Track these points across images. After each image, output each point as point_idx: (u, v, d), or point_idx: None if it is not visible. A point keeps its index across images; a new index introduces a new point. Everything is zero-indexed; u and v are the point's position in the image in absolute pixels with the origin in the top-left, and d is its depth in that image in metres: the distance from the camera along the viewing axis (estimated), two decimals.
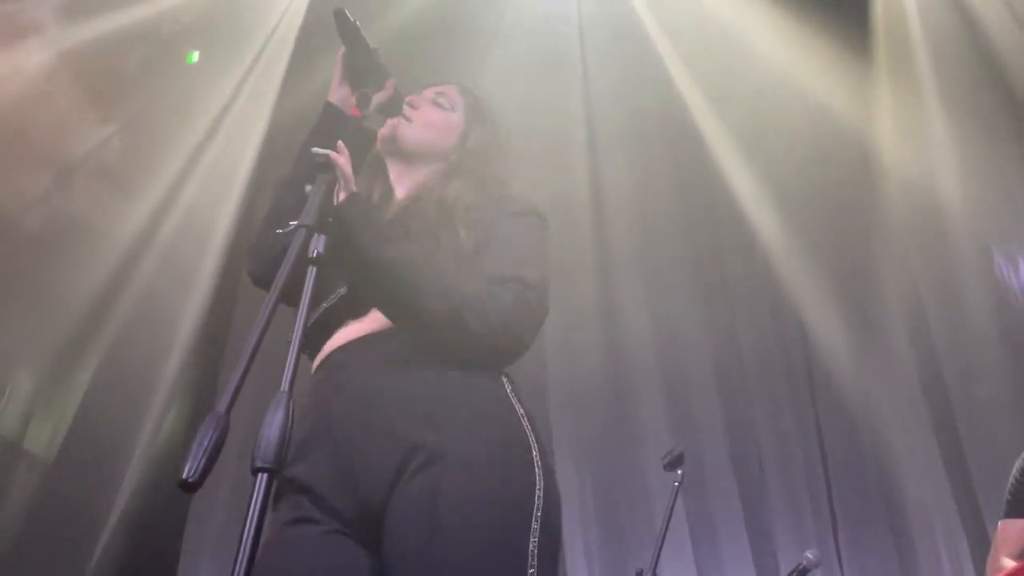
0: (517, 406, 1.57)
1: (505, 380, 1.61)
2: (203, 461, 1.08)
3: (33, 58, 4.46)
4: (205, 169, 5.03)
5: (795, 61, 4.70)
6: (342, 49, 1.77)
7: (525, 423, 1.55)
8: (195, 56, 5.60)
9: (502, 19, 5.32)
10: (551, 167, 4.98)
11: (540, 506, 1.45)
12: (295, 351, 1.25)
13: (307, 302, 1.32)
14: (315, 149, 1.48)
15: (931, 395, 4.49)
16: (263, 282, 1.75)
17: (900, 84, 4.68)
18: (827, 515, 4.41)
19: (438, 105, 1.90)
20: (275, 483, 1.53)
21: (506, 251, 1.65)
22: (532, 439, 1.53)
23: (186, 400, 4.91)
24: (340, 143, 1.52)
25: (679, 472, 3.19)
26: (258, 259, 1.76)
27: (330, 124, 1.75)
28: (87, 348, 4.65)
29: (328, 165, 1.49)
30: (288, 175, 1.74)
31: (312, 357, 1.71)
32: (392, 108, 1.82)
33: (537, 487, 1.47)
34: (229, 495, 4.29)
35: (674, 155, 5.21)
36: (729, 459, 4.53)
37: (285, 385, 1.21)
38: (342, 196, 1.51)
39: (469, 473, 1.44)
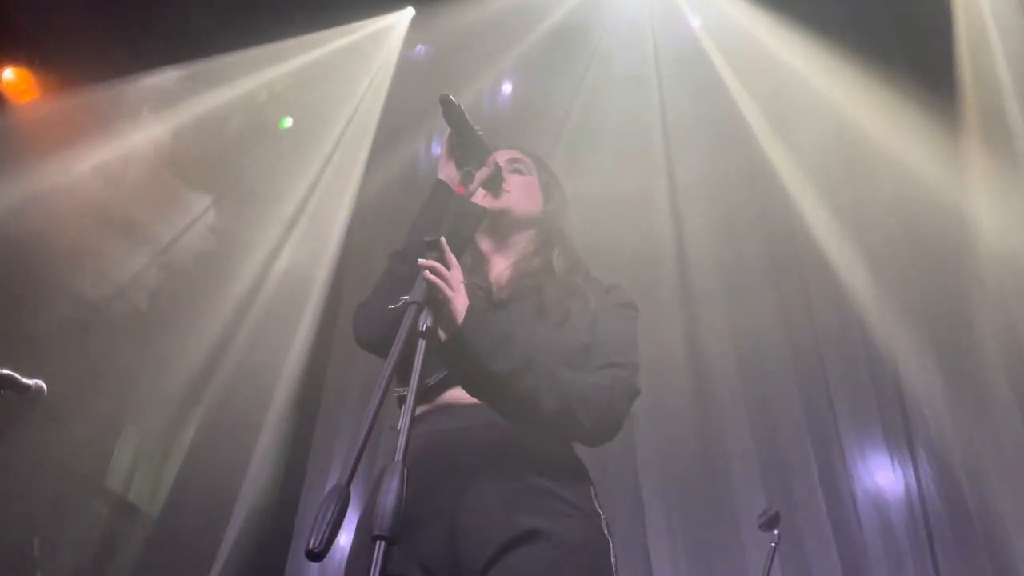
0: (595, 500, 1.74)
1: (591, 483, 1.78)
2: (327, 532, 1.16)
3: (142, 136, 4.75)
4: (299, 235, 5.23)
5: (883, 124, 4.68)
6: (448, 131, 1.85)
7: (603, 521, 1.71)
8: (287, 121, 5.86)
9: (583, 81, 5.45)
10: (634, 222, 5.02)
11: None
12: (407, 422, 1.31)
13: (417, 374, 1.37)
14: (426, 238, 1.58)
15: None
16: (368, 345, 1.80)
17: (992, 143, 4.59)
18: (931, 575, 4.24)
19: (519, 171, 1.98)
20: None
21: (609, 341, 1.81)
22: (607, 531, 1.70)
23: (282, 454, 5.05)
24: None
25: (775, 532, 3.14)
26: (367, 325, 1.79)
27: (439, 200, 1.82)
28: (191, 407, 4.85)
29: (435, 244, 1.57)
30: (401, 248, 1.81)
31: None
32: (493, 182, 1.89)
33: None
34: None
35: (761, 217, 5.20)
36: (826, 516, 4.39)
37: (399, 455, 1.26)
38: (454, 305, 1.54)
39: (565, 555, 1.58)
